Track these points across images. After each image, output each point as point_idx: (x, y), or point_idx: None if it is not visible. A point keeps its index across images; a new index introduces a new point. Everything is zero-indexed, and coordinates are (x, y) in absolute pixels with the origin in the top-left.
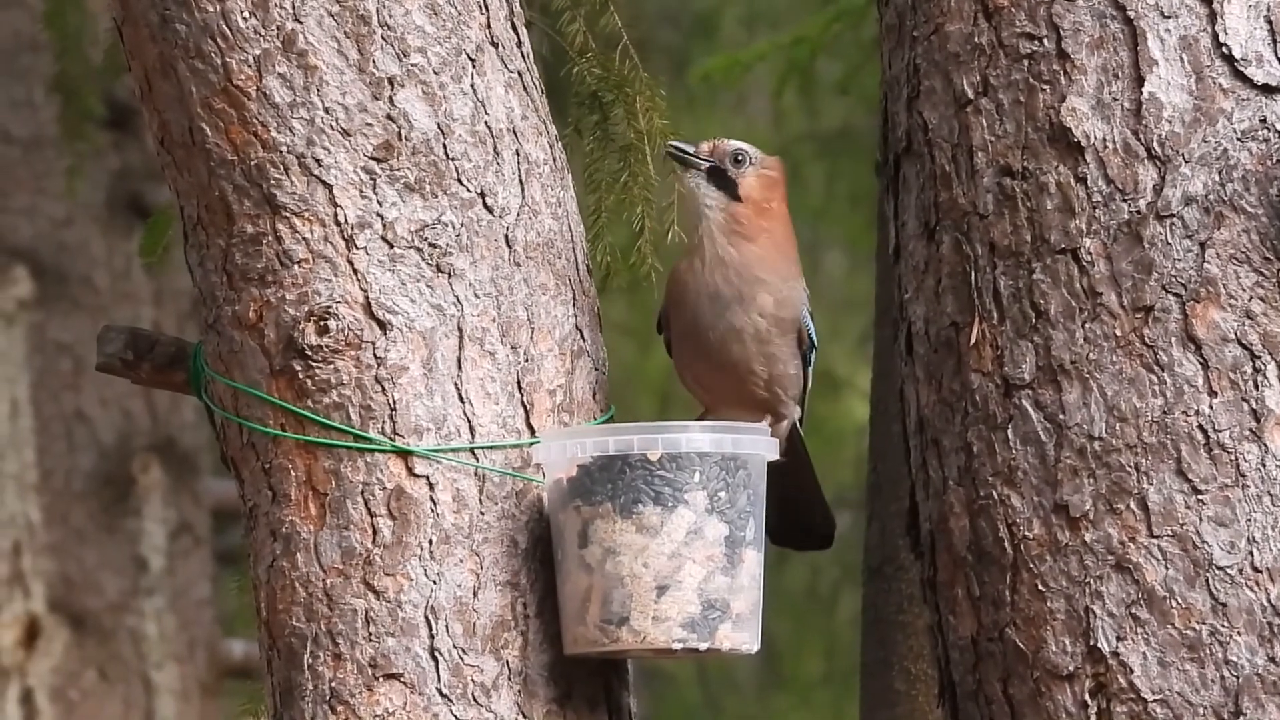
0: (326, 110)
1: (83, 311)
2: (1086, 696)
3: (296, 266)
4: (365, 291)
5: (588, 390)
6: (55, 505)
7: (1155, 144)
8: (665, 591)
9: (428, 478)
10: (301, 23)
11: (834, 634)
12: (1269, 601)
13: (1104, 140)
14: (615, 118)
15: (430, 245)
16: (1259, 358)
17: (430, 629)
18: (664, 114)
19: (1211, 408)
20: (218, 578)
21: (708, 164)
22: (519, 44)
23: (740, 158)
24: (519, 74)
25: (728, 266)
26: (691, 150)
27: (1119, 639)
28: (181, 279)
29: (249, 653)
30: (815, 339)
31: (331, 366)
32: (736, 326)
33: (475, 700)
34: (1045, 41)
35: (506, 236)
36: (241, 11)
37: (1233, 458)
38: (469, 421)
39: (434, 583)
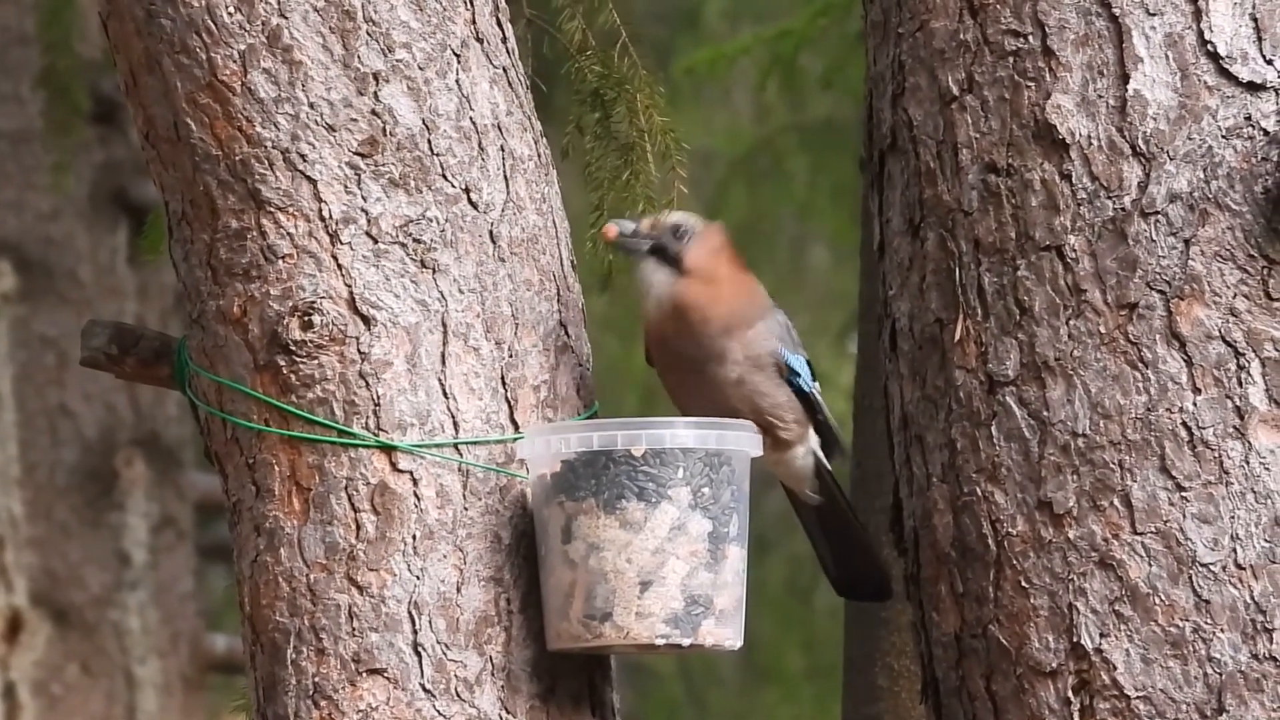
0: (311, 105)
1: (67, 306)
2: (1069, 693)
3: (281, 262)
4: (349, 287)
5: (571, 386)
6: (38, 499)
7: (1140, 141)
8: (649, 587)
9: (411, 473)
10: (287, 18)
11: (815, 629)
12: (1252, 598)
13: (1089, 137)
14: (617, 115)
15: (415, 241)
16: (1243, 355)
17: (414, 624)
18: (663, 111)
19: (1195, 405)
20: (201, 572)
21: (649, 243)
22: (504, 40)
23: (680, 231)
24: (504, 70)
25: (692, 333)
26: (632, 230)
27: (1102, 636)
28: (166, 274)
29: (232, 647)
30: (800, 367)
31: (316, 362)
32: (715, 380)
33: (458, 695)
34: (1030, 38)
35: (491, 232)
36: (227, 7)
37: (1216, 455)
38: (453, 417)
39: (417, 578)
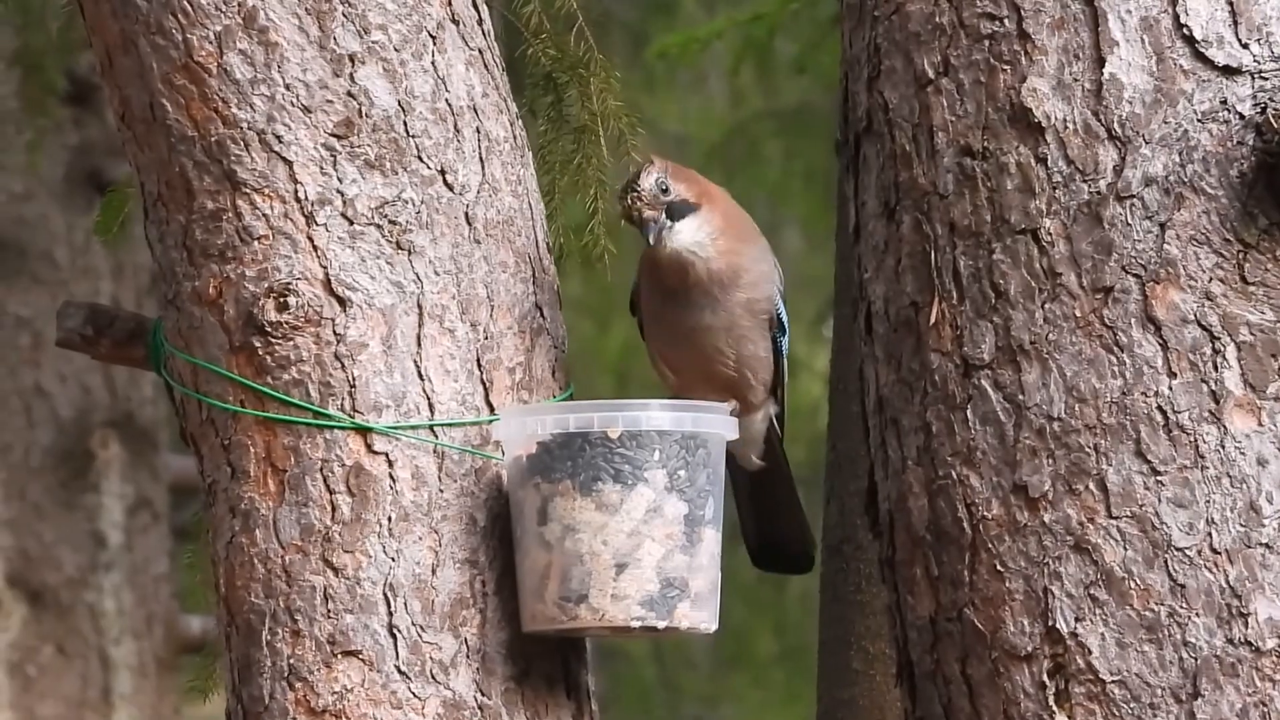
0: (287, 87)
1: (42, 286)
2: (1044, 677)
3: (256, 243)
4: (325, 268)
5: (547, 368)
6: (13, 480)
7: (1116, 125)
8: (624, 569)
9: (387, 455)
10: None
11: (787, 612)
12: (1227, 583)
13: (1064, 121)
14: (570, 99)
15: (390, 222)
16: (1218, 339)
17: (389, 606)
18: (618, 95)
19: (1171, 389)
20: (176, 553)
21: (663, 210)
22: (480, 21)
23: (663, 184)
24: (480, 51)
25: (709, 272)
26: (641, 215)
27: (1077, 619)
28: (141, 254)
29: (207, 628)
30: (786, 323)
31: (291, 343)
32: (708, 324)
33: (433, 678)
34: (1006, 22)
35: (466, 214)
36: None
37: (1192, 439)
38: (428, 399)
39: (393, 560)
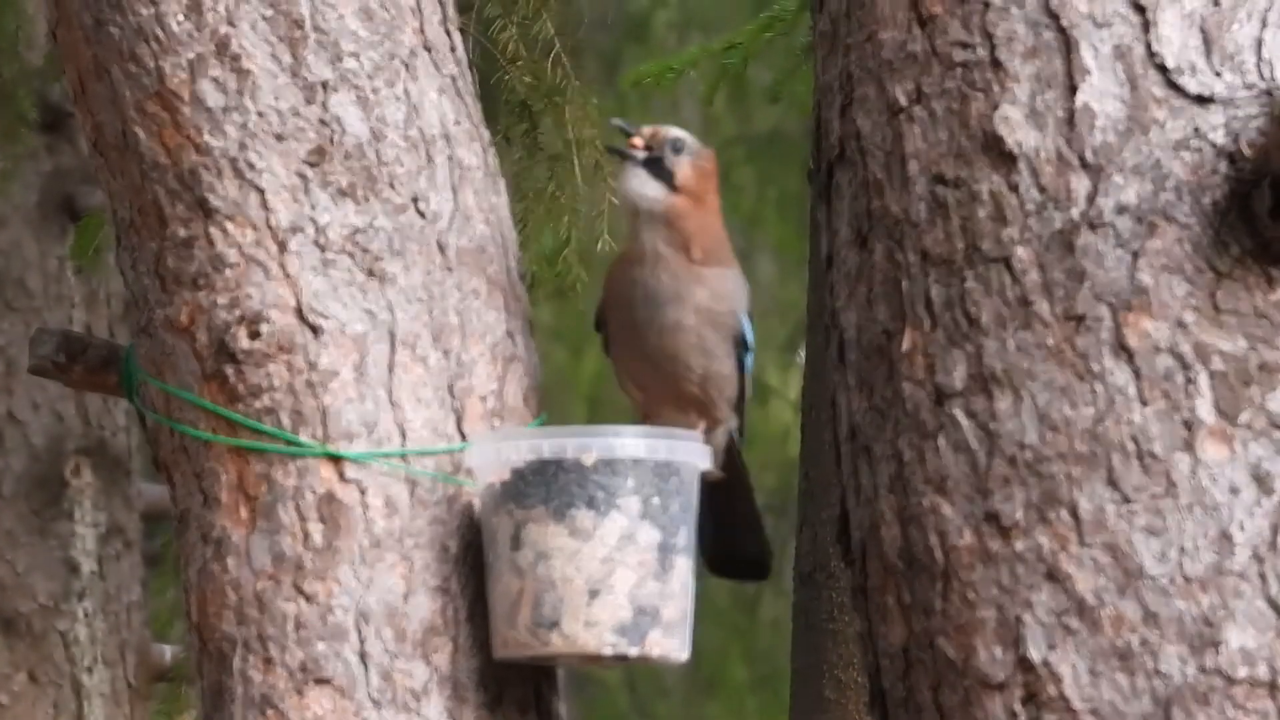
0: (260, 114)
1: (15, 314)
2: (1017, 705)
3: (229, 270)
4: (297, 296)
5: (519, 396)
6: None
7: (1088, 153)
8: (597, 596)
9: (359, 482)
10: (235, 27)
11: (759, 640)
12: (1200, 611)
13: (1037, 149)
14: (545, 127)
15: (362, 250)
16: (1191, 368)
17: (360, 634)
18: (594, 123)
19: (1143, 417)
20: (149, 581)
21: (645, 155)
22: (452, 49)
23: (679, 145)
24: (452, 79)
25: (666, 261)
26: (631, 134)
27: (1050, 648)
28: (113, 282)
29: (179, 656)
30: (751, 340)
31: (263, 370)
32: (673, 321)
33: (405, 705)
34: (979, 50)
35: (439, 242)
36: (176, 15)
37: (1164, 467)
38: (400, 427)
39: (365, 587)
